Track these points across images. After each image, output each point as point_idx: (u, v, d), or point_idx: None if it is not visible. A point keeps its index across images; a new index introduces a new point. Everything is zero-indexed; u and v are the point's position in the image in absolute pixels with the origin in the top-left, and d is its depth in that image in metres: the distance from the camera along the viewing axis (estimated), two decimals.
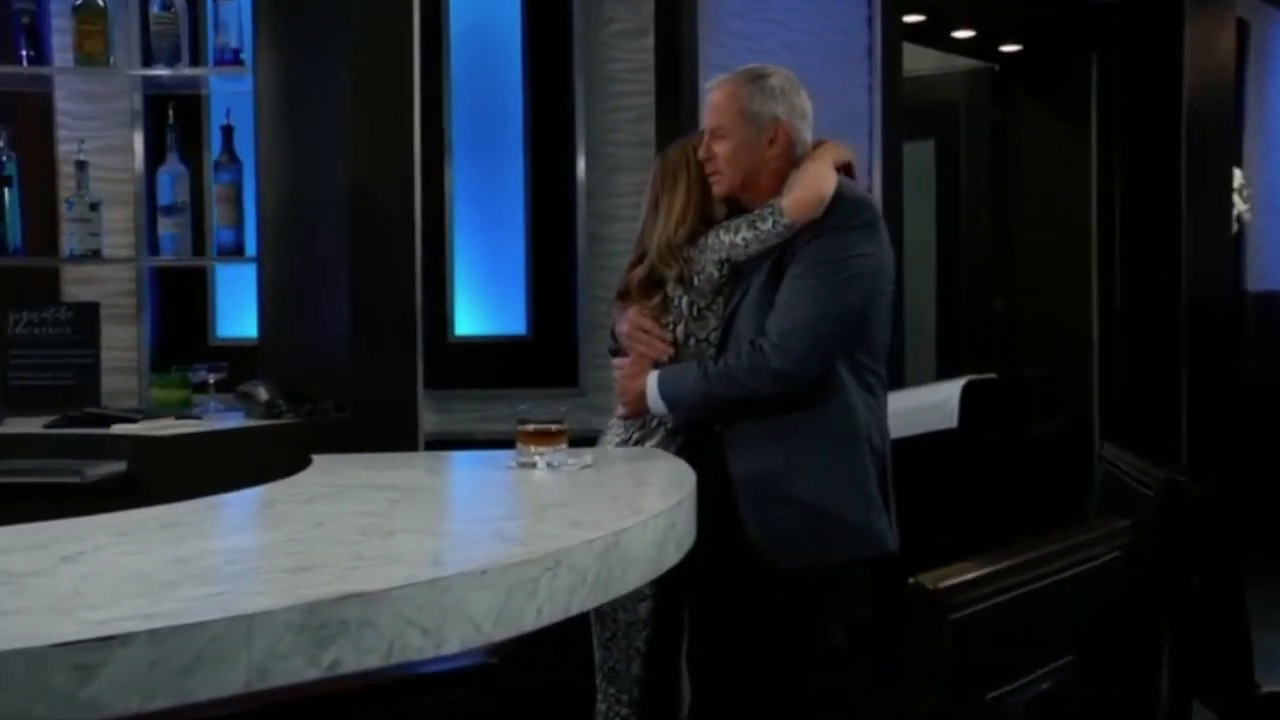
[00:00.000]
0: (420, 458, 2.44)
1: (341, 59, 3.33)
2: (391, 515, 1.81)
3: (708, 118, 2.72)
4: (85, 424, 3.04)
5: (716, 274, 2.68)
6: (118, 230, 3.79)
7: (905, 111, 5.58)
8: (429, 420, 3.93)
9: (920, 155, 6.63)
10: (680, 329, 2.74)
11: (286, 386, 3.32)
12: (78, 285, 3.79)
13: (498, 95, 4.43)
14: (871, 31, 5.01)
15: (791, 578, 2.58)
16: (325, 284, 3.38)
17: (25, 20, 3.52)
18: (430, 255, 4.35)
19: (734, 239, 2.62)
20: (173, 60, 3.52)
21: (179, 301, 4.02)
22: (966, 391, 3.88)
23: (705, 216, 2.71)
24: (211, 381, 3.54)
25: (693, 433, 2.67)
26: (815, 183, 2.54)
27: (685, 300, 2.72)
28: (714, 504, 2.48)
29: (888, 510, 2.63)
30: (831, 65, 4.91)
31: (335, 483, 2.12)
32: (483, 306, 4.47)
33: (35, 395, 3.36)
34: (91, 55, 3.53)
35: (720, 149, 2.66)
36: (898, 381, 5.05)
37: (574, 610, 1.62)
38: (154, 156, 3.76)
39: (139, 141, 3.82)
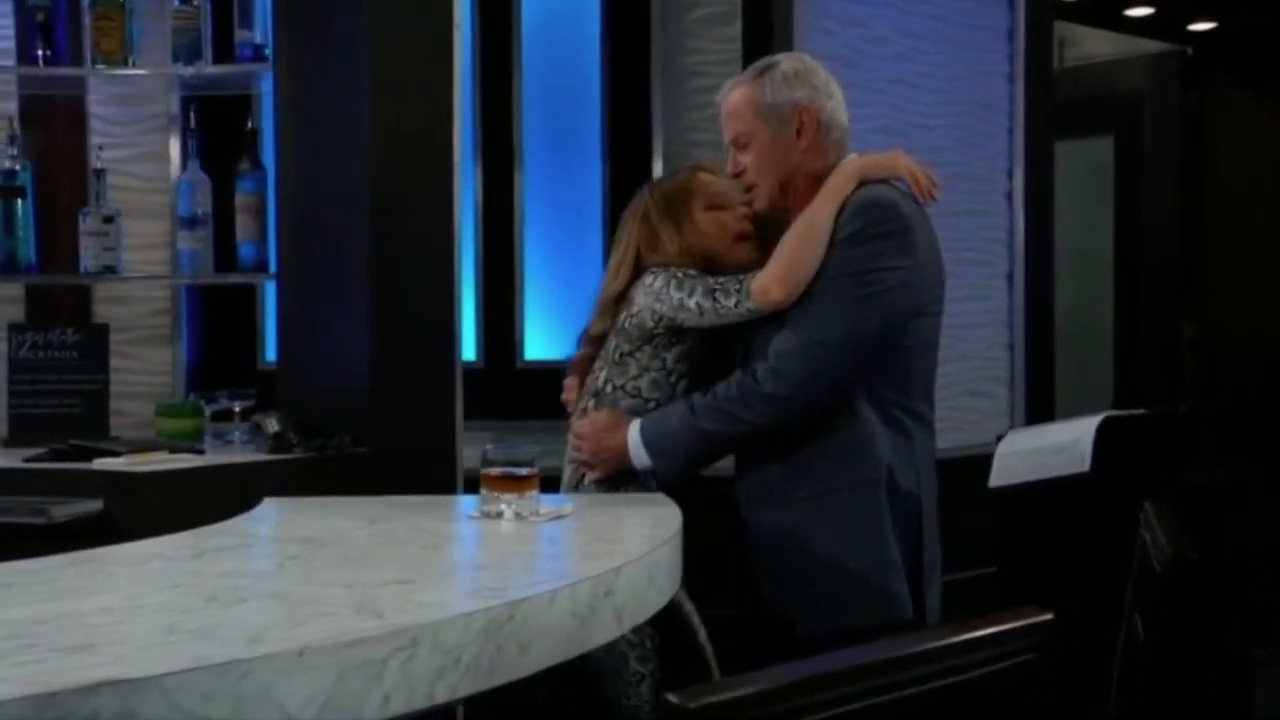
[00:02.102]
0: (378, 504, 2.31)
1: (363, 50, 3.24)
2: (267, 578, 1.67)
3: (725, 129, 2.55)
4: (71, 458, 3.01)
5: (650, 324, 2.48)
6: (152, 245, 3.78)
7: (1079, 104, 5.27)
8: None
9: (1095, 154, 6.26)
10: (602, 373, 2.58)
11: (303, 417, 3.25)
12: (110, 304, 3.80)
13: (574, 92, 4.32)
14: (1013, 12, 4.71)
15: (808, 644, 2.37)
16: (345, 304, 3.30)
17: (40, 18, 3.54)
18: (495, 272, 4.28)
19: (686, 300, 2.41)
20: (192, 58, 3.49)
21: (225, 322, 4.01)
22: (1103, 430, 3.55)
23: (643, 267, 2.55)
24: (237, 410, 3.49)
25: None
26: (795, 256, 2.35)
27: (612, 341, 2.57)
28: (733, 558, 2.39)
29: (921, 569, 2.41)
30: (963, 53, 4.64)
31: (249, 531, 2.00)
32: (555, 329, 4.35)
33: (39, 424, 3.36)
34: (109, 54, 3.53)
35: (747, 158, 2.49)
36: (1046, 416, 4.74)
37: (443, 698, 1.46)
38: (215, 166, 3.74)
39: (175, 148, 3.83)
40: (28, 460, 3.02)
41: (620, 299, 2.57)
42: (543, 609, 1.60)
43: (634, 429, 2.45)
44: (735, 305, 2.39)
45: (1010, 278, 4.87)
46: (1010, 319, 4.86)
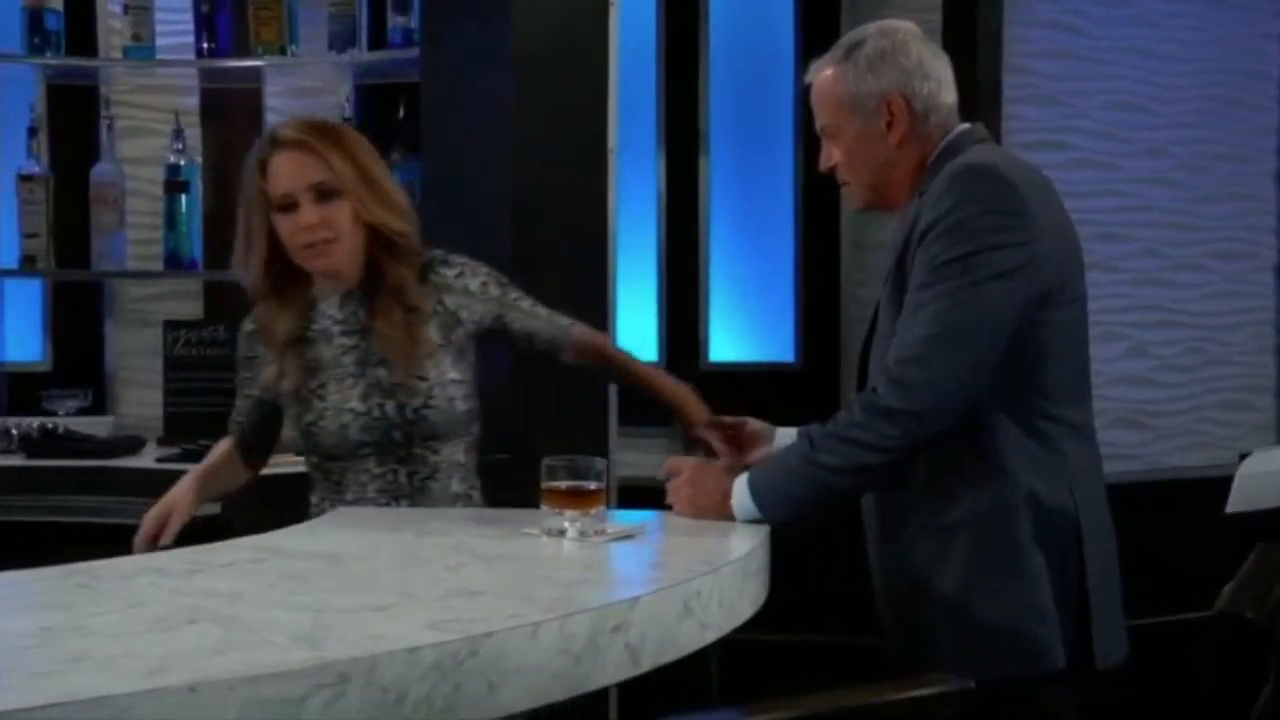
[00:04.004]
0: (450, 517, 2.26)
1: (508, 29, 3.21)
2: (241, 599, 1.62)
3: (815, 117, 2.36)
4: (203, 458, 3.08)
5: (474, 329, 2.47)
6: None
7: None
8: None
9: None
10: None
11: None
12: None
13: (764, 73, 4.19)
14: None
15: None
16: None
17: (205, 9, 3.67)
18: (678, 267, 4.19)
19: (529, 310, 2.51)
20: (346, 45, 3.54)
21: None
22: None
23: None
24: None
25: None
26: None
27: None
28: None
29: (1087, 609, 2.14)
30: (1220, 13, 4.26)
31: (276, 546, 1.97)
32: (743, 328, 4.23)
33: (192, 422, 3.47)
34: (269, 44, 3.62)
35: (837, 153, 2.29)
36: None
37: None
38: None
39: None
40: (159, 460, 3.11)
41: None
42: (521, 644, 1.50)
43: (746, 474, 2.23)
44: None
45: (1278, 271, 4.47)
46: (1277, 319, 4.46)
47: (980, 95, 3.87)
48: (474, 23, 3.30)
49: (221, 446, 2.57)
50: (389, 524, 2.20)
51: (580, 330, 2.57)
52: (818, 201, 4.08)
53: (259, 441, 2.52)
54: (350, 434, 2.37)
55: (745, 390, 4.10)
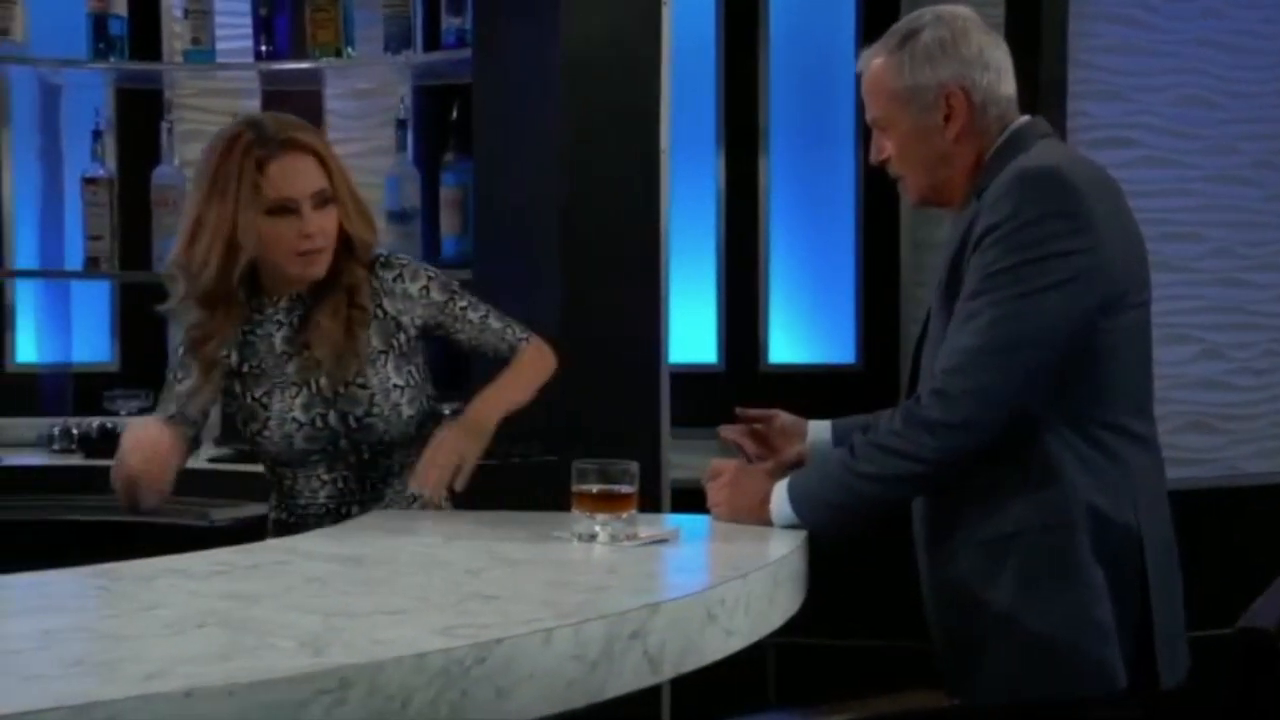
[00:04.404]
0: (484, 519, 2.25)
1: (559, 27, 3.19)
2: (258, 601, 1.61)
3: (866, 109, 2.24)
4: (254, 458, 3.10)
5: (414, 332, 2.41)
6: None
7: None
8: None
9: None
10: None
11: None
12: None
13: (825, 68, 4.13)
14: None
15: (979, 716, 2.11)
16: (538, 301, 3.25)
17: (263, 12, 3.68)
18: (737, 267, 4.15)
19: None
20: (401, 46, 3.54)
21: None
22: None
23: None
24: (447, 412, 3.52)
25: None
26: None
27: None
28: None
29: (1150, 627, 2.05)
30: None
31: (303, 548, 1.96)
32: (803, 329, 4.18)
33: None
34: (325, 45, 3.63)
35: (890, 146, 2.20)
36: None
37: None
38: (431, 157, 3.81)
39: (410, 140, 3.90)
40: (212, 460, 3.12)
41: None
42: (532, 650, 1.47)
43: (785, 480, 2.17)
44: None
45: None
46: None
47: (1044, 91, 3.80)
48: (525, 23, 3.29)
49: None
50: (418, 527, 2.20)
51: (535, 346, 2.49)
52: (878, 200, 4.02)
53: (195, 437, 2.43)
54: (295, 443, 2.33)
55: (805, 392, 4.04)
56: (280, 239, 2.26)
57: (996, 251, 2.02)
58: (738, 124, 4.13)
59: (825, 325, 4.14)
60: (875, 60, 2.19)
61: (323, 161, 2.29)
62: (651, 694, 3.27)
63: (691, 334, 4.17)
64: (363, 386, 2.32)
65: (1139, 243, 2.14)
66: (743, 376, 4.15)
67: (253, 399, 2.34)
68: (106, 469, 3.20)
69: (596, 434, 3.22)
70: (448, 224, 3.51)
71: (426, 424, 2.40)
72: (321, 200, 2.27)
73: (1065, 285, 1.99)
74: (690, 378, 4.12)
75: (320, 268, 2.30)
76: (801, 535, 2.07)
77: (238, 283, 2.29)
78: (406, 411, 2.37)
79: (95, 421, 3.43)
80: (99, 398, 3.76)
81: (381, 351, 2.34)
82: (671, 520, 2.31)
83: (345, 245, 2.33)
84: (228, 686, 1.27)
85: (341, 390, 2.31)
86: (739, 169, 4.13)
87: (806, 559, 2.06)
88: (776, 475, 2.22)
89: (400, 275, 2.38)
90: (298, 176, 2.26)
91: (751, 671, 3.98)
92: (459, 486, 2.28)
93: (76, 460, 3.29)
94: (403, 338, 2.37)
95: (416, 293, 2.38)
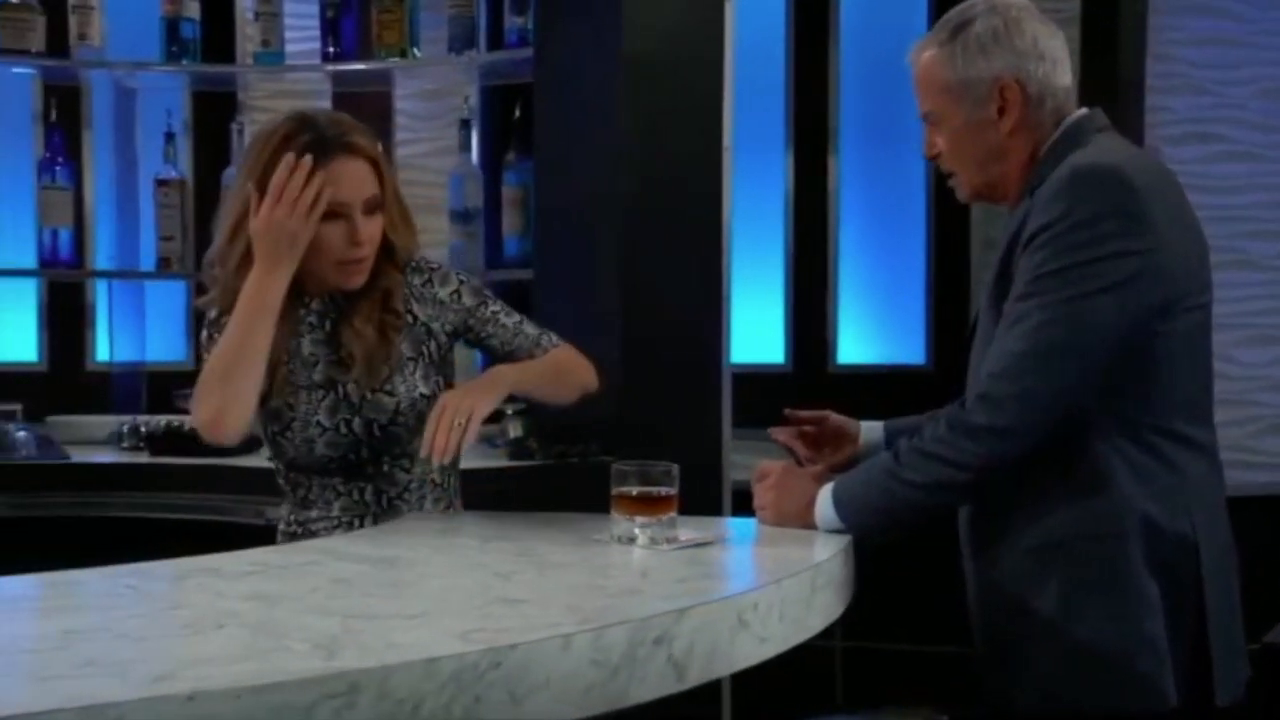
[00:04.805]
0: (512, 521, 2.23)
1: (619, 24, 3.16)
2: (280, 603, 1.60)
3: (917, 99, 2.18)
4: None
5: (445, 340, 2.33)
6: (440, 242, 3.89)
7: None
8: None
9: None
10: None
11: (553, 423, 3.22)
12: None
13: (897, 66, 4.04)
14: None
15: None
16: (596, 302, 3.24)
17: (330, 14, 3.70)
18: (806, 267, 4.11)
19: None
20: (464, 46, 3.54)
21: None
22: None
23: None
24: (509, 413, 3.51)
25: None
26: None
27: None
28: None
29: (1205, 641, 1.98)
30: None
31: (339, 549, 1.96)
32: (873, 330, 4.12)
33: None
34: (390, 46, 3.64)
35: (941, 141, 2.15)
36: None
37: None
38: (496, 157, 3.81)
39: (475, 140, 3.91)
40: (269, 459, 3.13)
41: None
42: (549, 656, 1.45)
43: (827, 487, 2.12)
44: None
45: None
46: None
47: (1122, 86, 3.71)
48: (586, 21, 3.27)
49: None
50: (459, 529, 2.19)
51: (569, 350, 2.41)
52: (950, 198, 3.93)
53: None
54: (316, 449, 2.26)
55: (874, 393, 3.99)
56: (328, 245, 2.19)
57: (1047, 252, 1.95)
58: (807, 121, 4.08)
59: (895, 325, 4.08)
60: (926, 53, 2.14)
61: (376, 167, 2.22)
62: (712, 693, 3.23)
63: (758, 334, 4.13)
64: (390, 394, 2.27)
65: (1200, 242, 2.07)
66: (810, 377, 4.10)
67: (277, 400, 2.28)
68: (169, 466, 3.28)
69: (655, 435, 3.19)
70: (509, 224, 3.51)
71: None
72: (372, 207, 2.21)
73: (1119, 288, 1.93)
74: (757, 378, 4.08)
75: (361, 278, 2.23)
76: (845, 540, 2.03)
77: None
78: None
79: (162, 420, 3.46)
80: (172, 396, 3.80)
81: (410, 359, 2.29)
82: (723, 523, 2.27)
83: (385, 251, 2.27)
84: (234, 690, 1.26)
85: (368, 396, 2.26)
86: (808, 167, 4.08)
87: (850, 564, 2.02)
88: (825, 478, 2.18)
89: (430, 280, 2.32)
90: (354, 182, 2.18)
91: (819, 674, 3.93)
92: (468, 442, 2.13)
93: (143, 458, 3.32)
94: (433, 345, 2.31)
95: (447, 297, 2.32)
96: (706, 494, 3.22)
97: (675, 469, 2.04)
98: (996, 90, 2.07)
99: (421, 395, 2.28)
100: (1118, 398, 1.98)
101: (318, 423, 2.26)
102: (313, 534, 2.31)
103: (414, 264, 2.33)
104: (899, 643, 3.84)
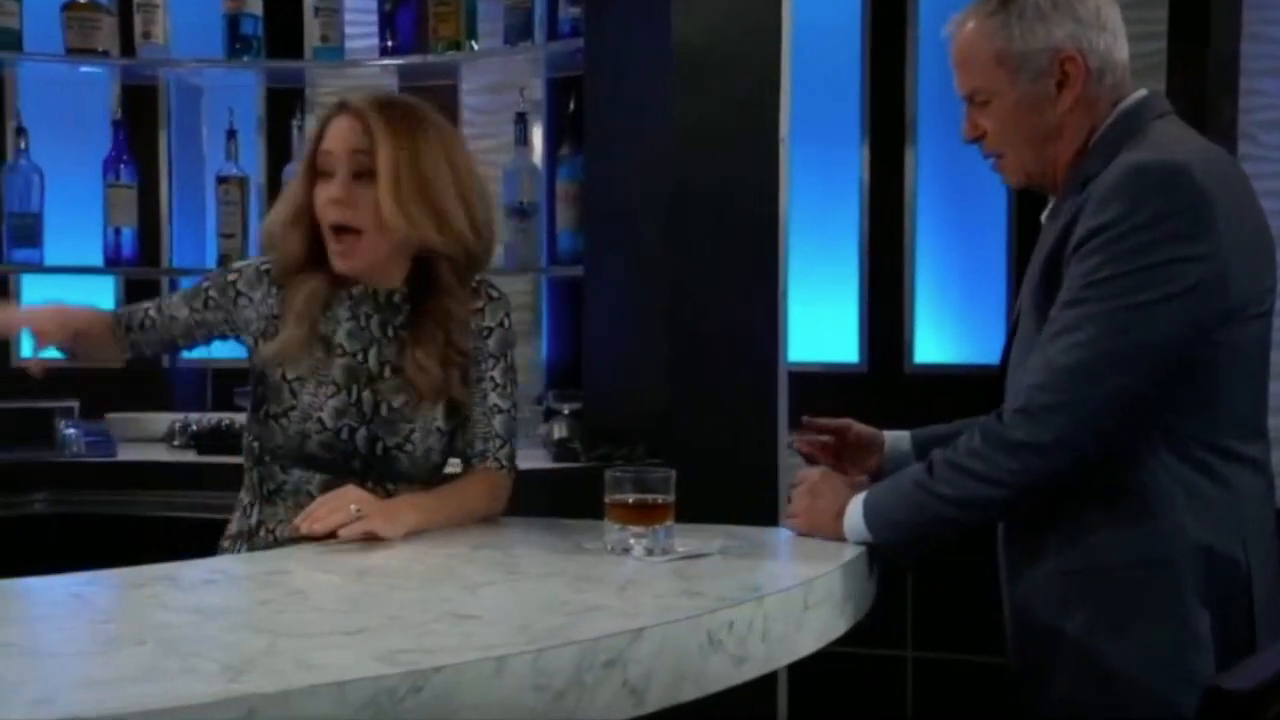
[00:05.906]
0: (509, 526, 2.14)
1: (668, 13, 3.04)
2: (219, 618, 1.53)
3: (958, 79, 2.03)
4: None
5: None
6: (499, 237, 3.81)
7: None
8: None
9: None
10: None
11: (602, 424, 3.11)
12: None
13: None
14: None
15: None
16: (645, 300, 3.12)
17: (387, 7, 3.64)
18: (882, 263, 3.96)
19: None
20: (520, 37, 3.46)
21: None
22: None
23: None
24: (566, 411, 3.42)
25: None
26: None
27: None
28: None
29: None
30: None
31: (317, 560, 1.87)
32: (950, 328, 3.94)
33: None
34: (448, 39, 3.57)
35: (988, 122, 1.99)
36: None
37: None
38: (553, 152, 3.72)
39: (538, 135, 3.82)
40: None
41: None
42: (482, 679, 1.35)
43: (858, 498, 2.01)
44: None
45: None
46: None
47: (1213, 66, 3.49)
48: (637, 11, 3.15)
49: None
50: (455, 535, 2.08)
51: (497, 482, 2.24)
52: (1031, 193, 3.75)
53: (143, 343, 2.32)
54: (308, 445, 2.16)
55: (951, 394, 3.79)
56: (319, 205, 2.13)
57: (1102, 257, 1.80)
58: (884, 115, 3.92)
59: (975, 324, 3.90)
60: (969, 24, 1.99)
61: (372, 131, 2.09)
62: (768, 697, 3.08)
63: (833, 333, 3.98)
64: (407, 419, 2.18)
65: (1268, 243, 1.91)
66: (886, 377, 3.94)
67: (284, 377, 2.17)
68: (213, 466, 3.23)
69: (705, 436, 3.07)
70: (564, 219, 3.41)
71: (441, 470, 2.27)
72: (360, 168, 2.10)
73: (1178, 298, 1.78)
74: (830, 378, 3.94)
75: (350, 262, 2.13)
76: (854, 553, 1.90)
77: (304, 256, 2.16)
78: (436, 458, 2.23)
79: (212, 418, 3.42)
80: (234, 394, 3.77)
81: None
82: (740, 532, 2.15)
83: (446, 263, 2.17)
84: (118, 715, 1.18)
85: (384, 412, 2.17)
86: (884, 162, 3.92)
87: (861, 579, 1.89)
88: (861, 487, 2.05)
89: (482, 311, 2.24)
90: (338, 134, 2.13)
91: (888, 684, 3.77)
92: (341, 535, 1.96)
93: (189, 457, 3.28)
94: (472, 375, 2.22)
95: (481, 328, 2.24)
96: (759, 499, 3.09)
97: (672, 475, 1.93)
98: (1057, 62, 1.92)
99: (438, 428, 2.20)
100: (1169, 412, 1.84)
101: (318, 419, 2.17)
102: (273, 535, 2.20)
103: (475, 284, 2.24)
104: (973, 654, 3.66)
